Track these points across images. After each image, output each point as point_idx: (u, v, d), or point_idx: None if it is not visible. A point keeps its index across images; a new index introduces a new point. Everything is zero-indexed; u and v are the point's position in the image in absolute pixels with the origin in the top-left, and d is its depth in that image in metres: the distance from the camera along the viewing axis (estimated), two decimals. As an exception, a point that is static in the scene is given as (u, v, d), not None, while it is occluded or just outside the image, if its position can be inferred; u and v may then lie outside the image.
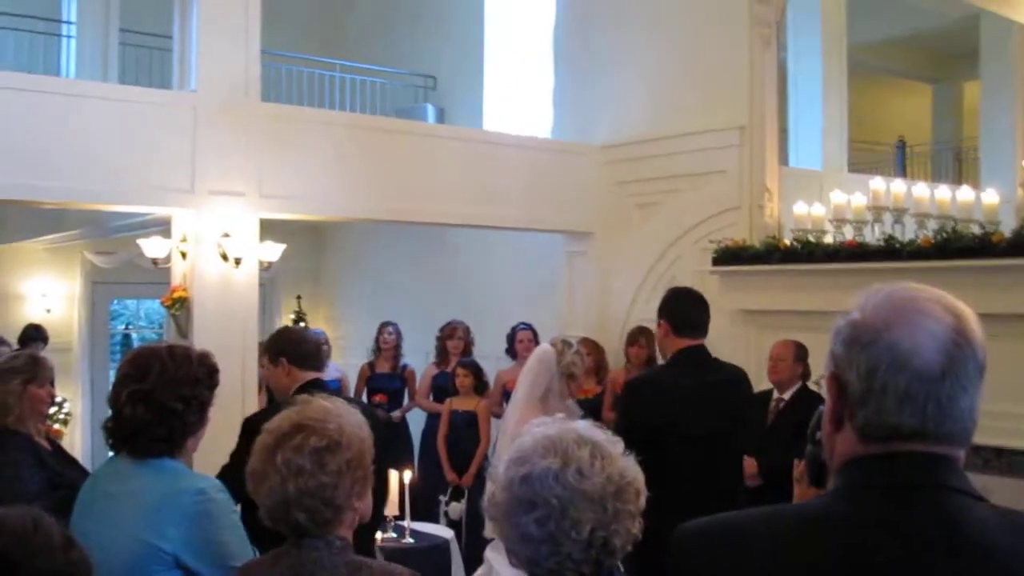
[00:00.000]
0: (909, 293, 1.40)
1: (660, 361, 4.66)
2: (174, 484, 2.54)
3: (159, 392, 2.57)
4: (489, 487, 1.95)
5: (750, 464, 5.38)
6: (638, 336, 7.54)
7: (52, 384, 4.15)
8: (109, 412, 2.69)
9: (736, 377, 4.55)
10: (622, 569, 2.01)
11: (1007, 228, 5.72)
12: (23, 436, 4.02)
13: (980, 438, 1.41)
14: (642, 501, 1.99)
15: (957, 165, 12.39)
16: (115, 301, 12.93)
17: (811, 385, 5.71)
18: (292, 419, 2.25)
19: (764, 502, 1.58)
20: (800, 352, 5.81)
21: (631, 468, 1.98)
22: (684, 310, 4.44)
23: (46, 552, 1.54)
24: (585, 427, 2.00)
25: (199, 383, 2.65)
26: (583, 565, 1.92)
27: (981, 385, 1.37)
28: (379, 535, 5.66)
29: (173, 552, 2.46)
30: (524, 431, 2.00)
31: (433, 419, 8.05)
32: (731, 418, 4.37)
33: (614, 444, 1.99)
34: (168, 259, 7.21)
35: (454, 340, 8.22)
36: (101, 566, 1.67)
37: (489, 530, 4.25)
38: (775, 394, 5.87)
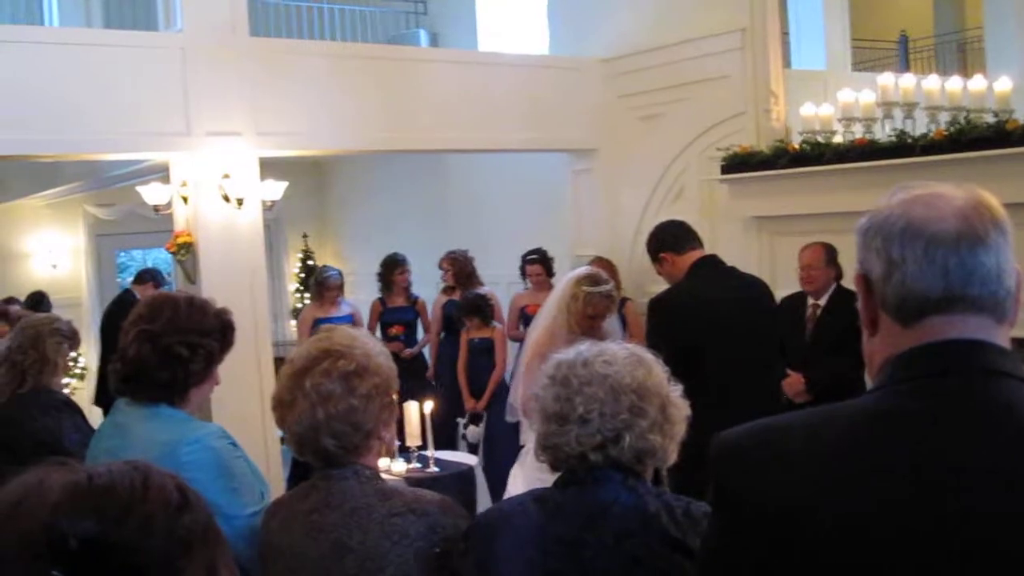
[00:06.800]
0: (926, 185, 1.39)
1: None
2: (171, 435, 2.44)
3: (167, 335, 2.50)
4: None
5: (796, 380, 5.27)
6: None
7: None
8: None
9: (758, 288, 4.49)
10: (647, 482, 2.00)
11: (1021, 116, 5.60)
12: (59, 394, 4.15)
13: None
14: (673, 419, 2.02)
15: (961, 56, 12.15)
16: (121, 253, 12.84)
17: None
18: (320, 346, 2.22)
19: None
20: (830, 254, 5.63)
21: (668, 386, 2.01)
22: (674, 232, 4.43)
23: (163, 518, 1.09)
24: (641, 347, 2.10)
25: (210, 335, 2.56)
26: (589, 451, 1.94)
27: (1008, 249, 1.33)
28: (404, 466, 5.69)
29: None
30: None
31: (444, 348, 8.14)
32: (764, 334, 4.31)
33: (661, 365, 2.06)
34: (169, 205, 7.13)
35: (447, 272, 8.24)
36: None
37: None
38: (810, 300, 5.72)
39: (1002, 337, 1.34)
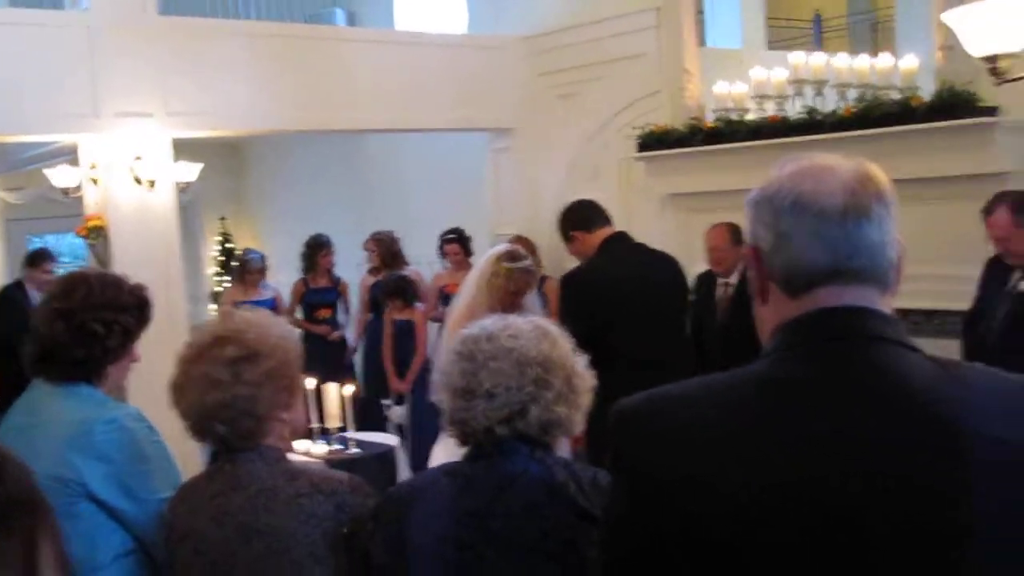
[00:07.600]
0: (816, 156, 1.43)
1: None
2: (87, 414, 2.39)
3: (80, 312, 2.44)
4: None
5: None
6: None
7: None
8: None
9: (665, 263, 4.55)
10: (555, 453, 2.02)
11: (927, 93, 5.72)
12: None
13: (910, 302, 1.41)
14: (579, 389, 2.03)
15: (874, 36, 12.37)
16: (34, 238, 12.50)
17: None
18: (212, 331, 2.21)
19: None
20: (735, 234, 5.70)
21: (573, 358, 2.04)
22: (585, 210, 4.49)
23: None
24: (545, 320, 2.11)
25: (125, 311, 2.51)
26: (496, 424, 1.96)
27: (891, 221, 1.37)
28: (324, 448, 5.66)
29: (82, 483, 2.31)
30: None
31: (372, 329, 8.09)
32: (669, 310, 4.37)
33: (568, 340, 2.07)
34: (79, 188, 6.97)
35: (373, 253, 8.20)
36: None
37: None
38: (719, 280, 5.79)
39: (885, 305, 1.37)
